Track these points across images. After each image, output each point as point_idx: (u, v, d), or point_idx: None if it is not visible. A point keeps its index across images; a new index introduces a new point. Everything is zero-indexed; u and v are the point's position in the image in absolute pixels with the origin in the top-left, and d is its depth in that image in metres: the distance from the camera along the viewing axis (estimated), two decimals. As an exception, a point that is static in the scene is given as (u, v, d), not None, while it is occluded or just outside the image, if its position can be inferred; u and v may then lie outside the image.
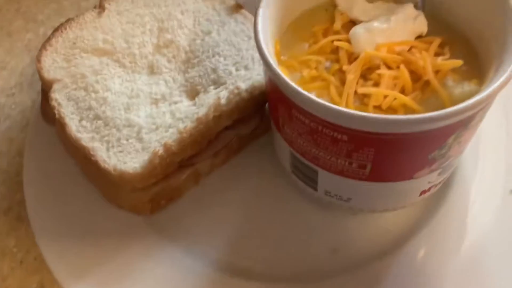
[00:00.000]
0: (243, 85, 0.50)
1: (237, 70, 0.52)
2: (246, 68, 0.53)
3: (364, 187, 0.44)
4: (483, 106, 0.37)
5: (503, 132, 0.54)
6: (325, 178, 0.45)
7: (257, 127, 0.55)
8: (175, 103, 0.51)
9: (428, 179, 0.44)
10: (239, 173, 0.55)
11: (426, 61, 0.42)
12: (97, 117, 0.49)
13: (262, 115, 0.55)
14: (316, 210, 0.51)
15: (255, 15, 0.43)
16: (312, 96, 0.37)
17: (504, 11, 0.41)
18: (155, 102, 0.51)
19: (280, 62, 0.46)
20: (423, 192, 0.46)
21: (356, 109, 0.42)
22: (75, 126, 0.48)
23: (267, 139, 0.57)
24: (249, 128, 0.54)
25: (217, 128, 0.50)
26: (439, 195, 0.50)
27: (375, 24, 0.45)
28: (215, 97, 0.49)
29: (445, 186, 0.51)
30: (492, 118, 0.54)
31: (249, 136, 0.55)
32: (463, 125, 0.38)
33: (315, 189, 0.48)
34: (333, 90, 0.43)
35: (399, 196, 0.46)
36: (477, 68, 0.44)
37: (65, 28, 0.55)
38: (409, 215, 0.50)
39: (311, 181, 0.47)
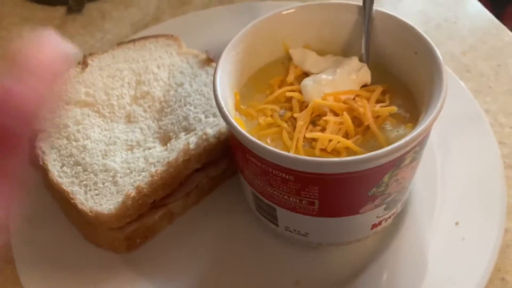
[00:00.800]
0: (211, 131, 0.56)
1: (206, 117, 0.58)
2: (214, 115, 0.58)
3: (317, 222, 0.48)
4: (410, 148, 0.42)
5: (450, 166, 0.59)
6: (283, 214, 0.49)
7: (226, 168, 0.60)
8: (149, 148, 0.56)
9: (376, 214, 0.49)
10: (210, 212, 0.59)
11: (366, 108, 0.48)
12: (77, 163, 0.54)
13: (231, 157, 0.60)
14: (279, 244, 0.55)
15: (214, 70, 0.49)
16: (261, 143, 0.42)
17: (434, 65, 0.47)
18: (131, 148, 0.56)
19: (240, 110, 0.52)
20: (374, 225, 0.51)
21: (305, 151, 0.47)
22: (57, 171, 0.53)
23: (236, 179, 0.61)
24: (218, 170, 0.59)
25: (187, 171, 0.55)
26: (392, 228, 0.55)
27: (323, 76, 0.51)
28: (185, 143, 0.55)
29: (398, 219, 0.55)
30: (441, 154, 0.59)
31: (219, 177, 0.60)
32: (395, 164, 0.43)
33: (277, 225, 0.52)
34: (285, 135, 0.48)
35: (351, 230, 0.50)
36: (413, 113, 0.49)
37: (51, 83, 0.61)
38: (364, 248, 0.54)
39: (272, 217, 0.51)
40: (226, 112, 0.45)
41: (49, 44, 0.27)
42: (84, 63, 0.63)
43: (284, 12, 0.53)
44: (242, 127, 0.45)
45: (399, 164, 0.43)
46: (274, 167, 0.43)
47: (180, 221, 0.59)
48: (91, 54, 0.64)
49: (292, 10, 0.53)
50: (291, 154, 0.41)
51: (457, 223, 0.54)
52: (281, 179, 0.44)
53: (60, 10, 0.91)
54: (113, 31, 0.87)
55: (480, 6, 0.84)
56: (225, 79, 0.49)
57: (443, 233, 0.53)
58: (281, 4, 0.86)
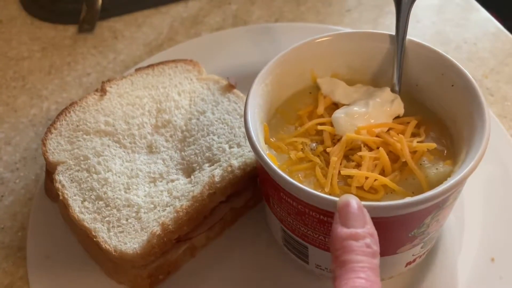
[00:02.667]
0: (235, 163, 0.54)
1: (230, 147, 0.56)
2: (238, 145, 0.56)
3: (351, 262, 0.46)
4: (454, 191, 0.40)
5: (483, 201, 0.57)
6: (315, 253, 0.48)
7: (250, 198, 0.58)
8: (172, 181, 0.54)
9: (412, 252, 0.47)
10: (234, 245, 0.57)
11: (403, 144, 0.46)
12: (98, 198, 0.52)
13: (255, 187, 0.58)
14: (308, 281, 0.54)
15: (245, 105, 0.47)
16: (298, 184, 0.40)
17: (473, 101, 0.45)
18: (153, 180, 0.54)
19: (269, 143, 0.50)
20: (408, 263, 0.49)
21: (340, 189, 0.45)
22: (78, 207, 0.51)
23: (260, 208, 0.60)
24: (242, 201, 0.57)
25: (212, 204, 0.53)
26: (424, 263, 0.53)
27: (355, 108, 0.49)
28: (209, 175, 0.53)
29: (431, 254, 0.53)
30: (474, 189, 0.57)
31: (242, 208, 0.58)
32: (438, 206, 0.41)
33: (307, 262, 0.50)
34: (318, 172, 0.46)
35: (386, 269, 0.48)
36: (451, 148, 0.48)
37: (69, 112, 0.59)
38: (397, 285, 0.52)
39: (302, 255, 0.49)
40: (261, 151, 0.43)
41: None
42: (102, 90, 0.61)
43: (313, 42, 0.52)
44: (274, 163, 0.43)
45: (442, 205, 0.41)
46: (312, 209, 0.41)
47: (202, 254, 0.57)
48: (109, 81, 0.62)
49: (322, 39, 0.52)
50: (333, 197, 0.39)
51: (492, 259, 0.52)
52: (318, 220, 0.42)
53: (71, 29, 0.89)
54: (125, 51, 0.85)
55: (500, 27, 0.83)
56: (255, 113, 0.47)
57: (478, 271, 0.51)
58: (295, 26, 0.86)
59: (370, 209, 0.38)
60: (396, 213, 0.39)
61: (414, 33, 0.82)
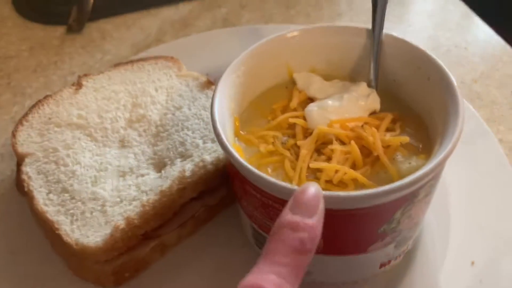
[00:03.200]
0: (208, 158, 0.52)
1: (204, 143, 0.55)
2: (213, 141, 0.55)
3: (321, 261, 0.44)
4: (425, 182, 0.38)
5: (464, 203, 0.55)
6: (284, 251, 0.45)
7: (225, 197, 0.56)
8: (142, 175, 0.52)
9: (385, 252, 0.45)
10: (206, 244, 0.55)
11: (376, 137, 0.44)
12: (64, 190, 0.50)
13: (229, 185, 0.56)
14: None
15: (213, 93, 0.46)
16: (260, 173, 0.39)
17: (448, 93, 0.43)
18: (123, 175, 0.53)
19: (239, 137, 0.48)
20: (383, 264, 0.47)
21: (309, 183, 0.43)
22: (42, 199, 0.50)
23: (235, 208, 0.58)
24: (216, 199, 0.55)
25: (182, 200, 0.51)
26: (402, 267, 0.50)
27: (329, 102, 0.48)
28: (180, 170, 0.51)
29: (409, 257, 0.51)
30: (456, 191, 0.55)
31: (216, 207, 0.56)
32: (408, 199, 0.39)
33: (277, 261, 0.48)
34: (287, 165, 0.45)
35: (358, 269, 0.46)
36: (426, 143, 0.46)
37: (42, 104, 0.58)
38: (372, 288, 0.50)
39: (272, 253, 0.47)
40: (224, 139, 0.41)
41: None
42: (78, 84, 0.60)
43: (289, 35, 0.50)
44: (241, 155, 0.42)
45: (412, 199, 0.39)
46: (275, 200, 0.40)
47: (173, 253, 0.55)
48: (86, 75, 0.61)
49: (297, 32, 0.51)
50: (293, 186, 0.37)
51: (472, 263, 0.49)
52: (282, 213, 0.40)
53: (60, 30, 0.89)
54: (113, 51, 0.84)
55: (491, 32, 0.81)
56: (224, 103, 0.46)
57: (458, 275, 0.49)
58: (285, 28, 0.85)
59: (331, 199, 0.36)
60: (360, 204, 0.37)
61: (405, 37, 0.81)
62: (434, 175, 0.39)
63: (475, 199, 0.55)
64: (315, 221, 0.33)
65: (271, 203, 0.40)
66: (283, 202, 0.39)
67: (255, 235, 0.48)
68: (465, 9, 0.86)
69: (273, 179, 0.38)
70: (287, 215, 0.33)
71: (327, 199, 0.37)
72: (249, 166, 0.39)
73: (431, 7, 0.89)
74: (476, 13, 0.85)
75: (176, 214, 0.52)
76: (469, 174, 0.56)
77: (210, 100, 0.58)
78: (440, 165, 0.38)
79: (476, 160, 0.57)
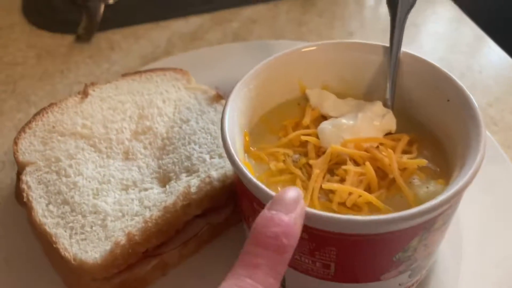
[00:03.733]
0: (215, 174, 0.50)
1: (211, 158, 0.53)
2: (220, 156, 0.53)
3: None
4: (444, 209, 0.36)
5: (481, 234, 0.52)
6: (292, 276, 0.43)
7: (230, 215, 0.54)
8: (145, 189, 0.50)
9: (398, 281, 0.42)
10: (209, 265, 0.53)
11: (392, 159, 0.42)
12: (65, 202, 0.49)
13: (235, 203, 0.54)
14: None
15: (223, 107, 0.44)
16: (270, 191, 0.37)
17: (469, 116, 0.42)
18: (126, 188, 0.51)
19: (249, 153, 0.46)
20: (395, 293, 0.44)
21: (320, 205, 0.41)
22: (41, 210, 0.48)
23: (240, 227, 0.55)
24: (221, 217, 0.53)
25: (185, 217, 0.49)
26: (414, 297, 0.48)
27: (343, 120, 0.46)
28: (185, 185, 0.49)
29: (421, 287, 0.49)
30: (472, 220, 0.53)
31: (221, 225, 0.54)
32: (425, 228, 0.37)
33: (284, 286, 0.46)
34: (299, 184, 0.43)
35: (369, 298, 0.44)
36: (444, 167, 0.44)
37: (47, 112, 0.56)
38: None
39: (279, 277, 0.45)
40: (233, 154, 0.39)
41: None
42: (84, 93, 0.59)
43: (303, 50, 0.49)
44: (250, 172, 0.40)
45: (429, 227, 0.37)
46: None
47: (174, 273, 0.53)
48: (92, 84, 0.60)
49: (312, 48, 0.49)
50: (308, 209, 0.35)
51: (489, 295, 0.47)
52: (293, 236, 0.38)
53: (68, 38, 0.88)
54: (120, 62, 0.83)
55: (504, 55, 0.80)
56: (235, 118, 0.44)
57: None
58: (297, 44, 0.84)
59: (348, 223, 0.34)
60: (376, 230, 0.35)
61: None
62: (453, 203, 0.37)
63: (489, 229, 0.52)
64: (291, 218, 0.30)
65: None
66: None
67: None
68: (478, 31, 0.85)
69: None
70: (264, 212, 0.31)
71: (341, 222, 0.35)
72: (258, 183, 0.37)
73: (443, 29, 0.87)
74: (489, 35, 0.84)
75: (178, 232, 0.50)
76: (483, 201, 0.54)
77: (219, 114, 0.58)
78: (461, 192, 0.36)
79: (491, 187, 0.55)
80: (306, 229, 0.37)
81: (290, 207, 0.31)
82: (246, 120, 0.47)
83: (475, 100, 0.72)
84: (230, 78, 0.72)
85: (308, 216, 0.35)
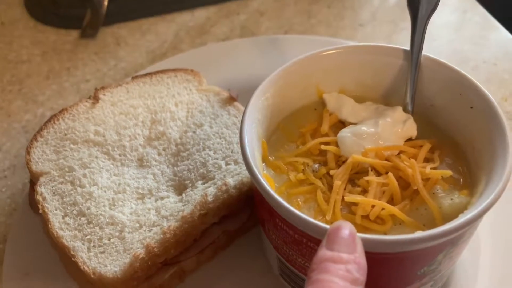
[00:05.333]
0: (231, 181, 0.50)
1: (226, 164, 0.52)
2: (236, 162, 0.52)
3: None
4: (472, 225, 0.36)
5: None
6: None
7: (246, 222, 0.54)
8: (162, 198, 0.50)
9: (421, 291, 0.42)
10: (226, 270, 0.53)
11: (415, 169, 0.41)
12: (81, 214, 0.48)
13: (252, 209, 0.54)
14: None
15: (241, 119, 0.43)
16: (293, 209, 0.36)
17: (494, 125, 0.40)
18: (142, 197, 0.50)
19: (267, 162, 0.46)
20: (417, 302, 0.44)
21: (343, 217, 0.41)
22: (58, 222, 0.47)
23: (257, 232, 0.55)
24: (237, 223, 0.53)
25: (203, 226, 0.48)
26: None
27: (363, 127, 0.45)
28: (202, 194, 0.48)
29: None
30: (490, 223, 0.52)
31: (237, 231, 0.53)
32: (452, 243, 0.36)
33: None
34: (320, 196, 0.42)
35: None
36: (468, 177, 0.43)
37: (58, 119, 0.55)
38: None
39: None
40: (257, 173, 0.39)
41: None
42: (95, 98, 0.57)
43: (322, 54, 0.48)
44: (271, 185, 0.39)
45: (456, 242, 0.37)
46: (309, 238, 0.37)
47: (192, 278, 0.52)
48: (103, 88, 0.59)
49: (331, 51, 0.48)
50: (328, 225, 0.34)
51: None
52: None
53: (73, 34, 0.86)
54: (127, 59, 0.82)
55: (521, 47, 0.78)
56: (253, 129, 0.43)
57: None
58: (305, 39, 0.82)
59: (372, 243, 0.33)
60: (403, 249, 0.34)
61: (429, 52, 0.77)
62: (479, 219, 0.37)
63: (509, 232, 0.51)
64: (358, 256, 0.31)
65: (305, 241, 0.38)
66: (318, 242, 0.37)
67: (282, 268, 0.45)
68: (493, 21, 0.83)
69: (307, 217, 0.35)
70: (325, 252, 0.31)
71: (367, 242, 0.34)
72: (285, 203, 0.37)
73: (457, 20, 0.85)
74: (504, 26, 0.82)
75: (196, 240, 0.49)
76: (501, 209, 0.53)
77: (233, 118, 0.57)
78: (489, 208, 0.35)
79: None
80: (331, 246, 0.36)
81: (352, 245, 0.31)
82: (264, 129, 0.46)
83: (491, 94, 0.71)
84: (240, 77, 0.72)
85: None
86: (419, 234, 0.34)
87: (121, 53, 0.83)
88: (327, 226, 0.35)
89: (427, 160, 0.44)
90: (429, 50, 0.74)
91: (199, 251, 0.51)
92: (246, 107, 0.43)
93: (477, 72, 0.75)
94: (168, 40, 0.84)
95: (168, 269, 0.49)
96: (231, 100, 0.59)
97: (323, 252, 0.31)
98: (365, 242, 0.34)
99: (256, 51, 0.75)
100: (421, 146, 0.45)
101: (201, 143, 0.54)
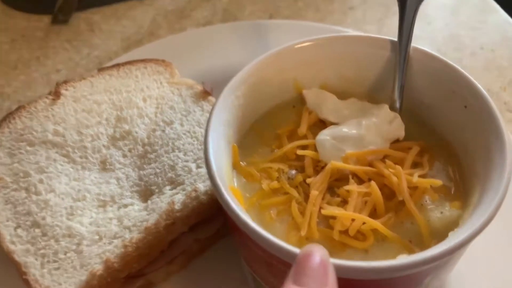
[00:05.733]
0: (202, 187, 0.45)
1: (197, 167, 0.47)
2: (208, 164, 0.47)
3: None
4: (464, 247, 0.31)
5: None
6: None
7: (221, 227, 0.49)
8: (125, 206, 0.45)
9: (407, 310, 0.38)
10: (199, 280, 0.49)
11: (401, 177, 0.37)
12: (35, 225, 0.44)
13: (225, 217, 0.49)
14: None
15: (207, 123, 0.38)
16: (265, 233, 0.32)
17: (491, 128, 0.36)
18: (103, 205, 0.46)
19: (238, 169, 0.41)
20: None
21: (320, 232, 0.36)
22: (9, 235, 0.43)
23: (230, 239, 0.51)
24: (210, 231, 0.48)
25: (170, 236, 0.44)
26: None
27: (344, 129, 0.40)
28: (169, 201, 0.44)
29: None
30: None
31: (210, 238, 0.49)
32: (441, 266, 0.32)
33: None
34: (294, 208, 0.37)
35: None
36: (460, 184, 0.38)
37: (14, 118, 0.51)
38: None
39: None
40: (223, 190, 0.34)
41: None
42: (56, 93, 0.52)
43: (297, 46, 0.43)
44: (239, 199, 0.35)
45: (445, 264, 0.32)
46: (279, 261, 0.33)
47: (162, 290, 0.48)
48: (65, 82, 0.54)
49: (307, 43, 0.43)
50: (297, 249, 0.30)
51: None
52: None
53: (45, 20, 0.81)
54: (101, 46, 0.76)
55: (522, 32, 0.73)
56: (221, 133, 0.39)
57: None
58: (290, 24, 0.77)
59: (348, 270, 0.29)
60: (384, 276, 0.30)
61: (424, 36, 0.73)
62: (474, 239, 0.32)
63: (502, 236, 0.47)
64: None
65: (276, 264, 0.33)
66: (288, 264, 0.32)
67: (257, 285, 0.41)
68: (491, 4, 0.78)
69: (277, 241, 0.31)
70: (289, 286, 0.27)
71: (342, 269, 0.30)
72: (252, 225, 0.32)
73: (453, 2, 0.80)
74: (503, 8, 0.77)
75: (163, 251, 0.45)
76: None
77: (206, 114, 0.52)
78: (484, 227, 0.31)
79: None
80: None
81: (322, 279, 0.27)
82: (235, 131, 0.41)
83: (488, 83, 0.67)
84: (217, 68, 0.66)
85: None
86: (401, 260, 0.30)
87: (95, 41, 0.77)
88: (297, 251, 0.31)
89: (415, 164, 0.40)
90: (423, 34, 0.69)
91: (168, 261, 0.46)
92: (212, 109, 0.39)
93: (474, 59, 0.70)
94: (145, 26, 0.79)
95: (134, 281, 0.45)
96: (205, 94, 0.54)
97: (289, 285, 0.27)
98: (340, 269, 0.29)
99: (237, 38, 0.70)
100: (409, 149, 0.40)
101: (170, 144, 0.49)
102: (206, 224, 0.48)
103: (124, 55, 0.70)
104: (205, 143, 0.36)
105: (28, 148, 0.49)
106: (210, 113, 0.38)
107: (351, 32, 0.67)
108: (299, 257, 0.28)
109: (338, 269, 0.30)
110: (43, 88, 0.72)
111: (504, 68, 0.69)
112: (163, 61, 0.58)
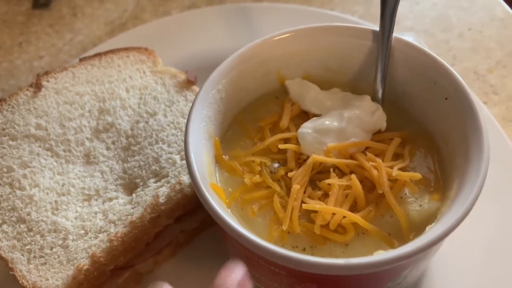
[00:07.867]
0: (186, 179, 0.45)
1: (182, 159, 0.47)
2: (192, 156, 0.47)
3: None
4: (442, 240, 0.32)
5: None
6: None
7: (206, 217, 0.50)
8: (110, 199, 0.46)
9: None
10: (186, 269, 0.50)
11: (381, 171, 0.37)
12: (20, 220, 0.44)
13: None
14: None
15: (187, 119, 0.38)
16: (244, 231, 0.32)
17: (470, 122, 0.36)
18: (88, 199, 0.46)
19: (220, 162, 0.41)
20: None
21: (301, 226, 0.37)
22: (-6, 231, 0.43)
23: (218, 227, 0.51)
24: (195, 222, 0.49)
25: (155, 229, 0.45)
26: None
27: (326, 122, 0.40)
28: (153, 195, 0.44)
29: None
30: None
31: (196, 229, 0.50)
32: (418, 259, 0.33)
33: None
34: (276, 202, 0.38)
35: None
36: (440, 176, 0.39)
37: (-5, 112, 0.50)
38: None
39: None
40: (204, 191, 0.34)
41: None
42: (37, 85, 0.52)
43: (278, 38, 0.42)
44: (221, 195, 0.35)
45: (422, 258, 0.33)
46: (261, 258, 0.33)
47: (150, 280, 0.49)
48: (46, 74, 0.53)
49: (289, 34, 0.42)
50: (280, 250, 0.31)
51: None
52: (269, 271, 0.34)
53: (26, 4, 0.79)
54: (84, 31, 0.75)
55: (510, 12, 0.72)
56: (202, 129, 0.38)
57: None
58: (277, 7, 0.75)
59: (324, 267, 0.30)
60: (362, 272, 0.31)
61: (412, 17, 0.72)
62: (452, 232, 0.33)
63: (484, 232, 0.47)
64: None
65: (257, 260, 0.34)
66: (269, 262, 0.33)
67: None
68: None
69: (256, 239, 0.32)
70: None
71: (319, 266, 0.30)
72: (233, 224, 0.33)
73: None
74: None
75: (149, 243, 0.46)
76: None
77: (190, 104, 0.51)
78: (460, 222, 0.31)
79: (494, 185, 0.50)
80: (282, 267, 0.32)
81: None
82: (217, 125, 0.41)
83: (475, 65, 0.66)
84: (202, 55, 0.66)
85: (283, 259, 0.31)
86: (379, 257, 0.30)
87: (78, 25, 0.76)
88: (273, 248, 0.31)
89: (396, 155, 0.40)
90: (410, 14, 0.68)
91: (154, 253, 0.47)
92: (192, 105, 0.38)
93: (461, 40, 0.70)
94: (129, 9, 0.77)
95: (122, 273, 0.46)
96: (188, 83, 0.53)
97: None
98: (317, 266, 0.30)
99: (223, 22, 0.68)
100: (391, 140, 0.40)
101: (154, 135, 0.49)
102: (192, 215, 0.48)
103: (108, 41, 0.69)
104: (186, 141, 0.36)
105: (10, 142, 0.48)
106: (190, 109, 0.38)
107: (337, 14, 0.66)
108: (220, 275, 0.28)
109: (319, 266, 0.30)
110: (27, 75, 0.71)
111: (491, 49, 0.68)
112: (146, 49, 0.57)
